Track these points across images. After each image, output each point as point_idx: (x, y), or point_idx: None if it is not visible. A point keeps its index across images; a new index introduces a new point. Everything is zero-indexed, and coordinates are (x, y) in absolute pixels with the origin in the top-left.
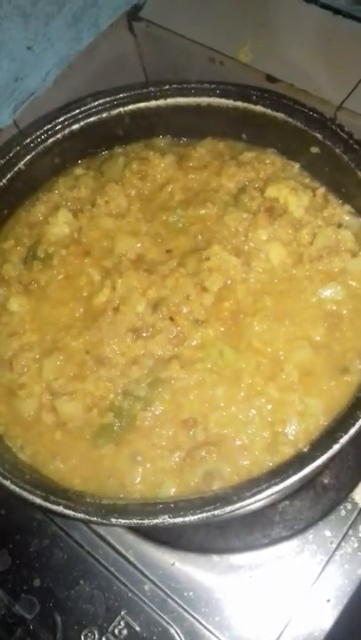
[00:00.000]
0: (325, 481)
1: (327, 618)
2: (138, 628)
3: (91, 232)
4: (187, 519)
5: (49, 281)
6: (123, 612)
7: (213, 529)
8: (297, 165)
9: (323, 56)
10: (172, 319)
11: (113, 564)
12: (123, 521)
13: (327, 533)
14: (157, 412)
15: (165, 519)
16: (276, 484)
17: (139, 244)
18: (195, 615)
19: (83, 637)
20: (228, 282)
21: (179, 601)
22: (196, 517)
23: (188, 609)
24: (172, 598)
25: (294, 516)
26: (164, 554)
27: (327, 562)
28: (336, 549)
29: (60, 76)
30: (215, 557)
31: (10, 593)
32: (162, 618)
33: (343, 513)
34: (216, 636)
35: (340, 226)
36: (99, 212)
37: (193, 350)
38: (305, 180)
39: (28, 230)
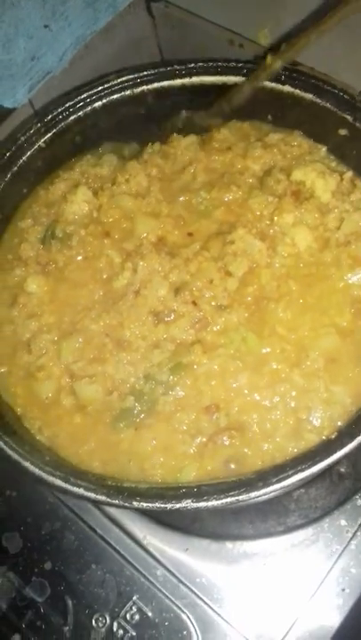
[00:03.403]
0: (342, 470)
1: (342, 607)
2: (150, 614)
3: (110, 211)
4: (210, 504)
5: (67, 262)
6: (135, 597)
7: (228, 515)
8: (324, 148)
9: (344, 39)
10: (194, 303)
11: (125, 548)
12: (145, 504)
13: (343, 522)
14: (179, 397)
15: (188, 503)
16: (302, 470)
17: (161, 226)
18: (207, 601)
19: (94, 622)
20: (253, 266)
21: (191, 587)
22: (220, 502)
23: (200, 595)
24: (185, 584)
25: (310, 505)
26: (177, 539)
27: (342, 551)
28: (352, 539)
29: (76, 56)
30: (229, 544)
31: (21, 576)
32: (174, 603)
33: (359, 502)
34: (229, 623)
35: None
36: (119, 191)
37: (216, 335)
38: (332, 164)
39: (47, 209)
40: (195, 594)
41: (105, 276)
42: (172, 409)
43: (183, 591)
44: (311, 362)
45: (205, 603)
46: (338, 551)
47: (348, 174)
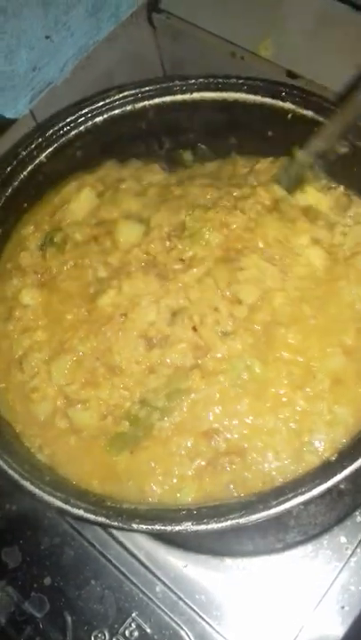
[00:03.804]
0: (341, 486)
1: (341, 625)
2: (149, 630)
3: (107, 214)
4: (210, 527)
5: (60, 269)
6: (134, 614)
7: (227, 532)
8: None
9: (345, 52)
10: (194, 329)
11: (124, 564)
12: (144, 527)
13: (342, 539)
14: (176, 422)
15: (188, 526)
16: (302, 493)
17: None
18: (206, 619)
19: (93, 638)
20: (265, 292)
21: (190, 604)
22: (220, 525)
23: (199, 612)
24: (184, 601)
25: (309, 521)
26: (176, 555)
27: (342, 568)
28: (351, 555)
29: (77, 66)
30: (228, 560)
31: (20, 590)
32: (173, 620)
33: (359, 519)
34: None
35: None
36: (122, 191)
37: (217, 362)
38: (323, 181)
39: (49, 217)
40: (194, 610)
41: (92, 291)
42: (168, 434)
43: (182, 607)
44: (317, 384)
45: (204, 619)
46: (337, 568)
47: (341, 189)
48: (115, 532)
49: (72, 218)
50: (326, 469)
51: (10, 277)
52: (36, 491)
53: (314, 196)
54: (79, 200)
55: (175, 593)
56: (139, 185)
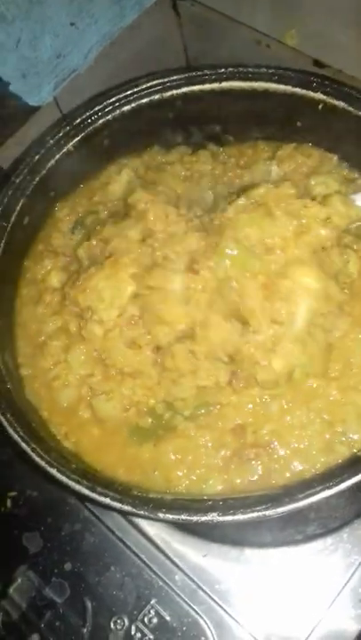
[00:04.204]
0: None
1: (359, 618)
2: (168, 618)
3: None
4: (235, 518)
5: (85, 252)
6: (153, 601)
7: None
8: (335, 157)
9: None
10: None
11: (144, 551)
12: (170, 516)
13: None
14: (202, 424)
15: (214, 517)
16: (329, 487)
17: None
18: (225, 608)
19: (112, 624)
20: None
21: (209, 593)
22: (246, 517)
23: (218, 601)
24: (203, 590)
25: (329, 514)
26: (197, 545)
27: None
28: None
29: (101, 54)
30: (248, 551)
31: (41, 575)
32: (192, 608)
33: None
34: (246, 630)
35: None
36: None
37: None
38: (344, 172)
39: (87, 200)
40: (213, 600)
41: None
42: (192, 433)
43: (201, 596)
44: (353, 375)
45: (223, 609)
46: (357, 562)
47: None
48: (134, 519)
49: (108, 199)
50: (355, 463)
51: (42, 259)
52: (63, 479)
53: (333, 188)
54: (119, 181)
55: (195, 582)
56: (183, 169)
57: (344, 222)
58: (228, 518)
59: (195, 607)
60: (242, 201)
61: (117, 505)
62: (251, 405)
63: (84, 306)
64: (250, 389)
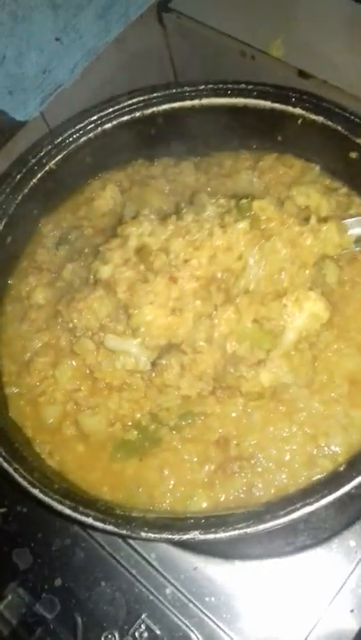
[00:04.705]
0: (352, 490)
1: (350, 628)
2: (158, 632)
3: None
4: (217, 536)
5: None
6: (143, 616)
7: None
8: (317, 167)
9: (358, 52)
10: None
11: (134, 566)
12: (153, 535)
13: (352, 543)
14: (187, 436)
15: (196, 535)
16: (310, 503)
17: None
18: (216, 621)
19: (103, 639)
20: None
21: (200, 606)
22: (227, 535)
23: (209, 614)
24: (194, 603)
25: (319, 525)
26: (186, 558)
27: (351, 572)
28: None
29: (87, 68)
30: (238, 563)
31: (31, 592)
32: (183, 622)
33: None
34: None
35: None
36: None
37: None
38: (326, 182)
39: (71, 214)
40: (203, 613)
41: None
42: (178, 446)
43: (192, 610)
44: (335, 387)
45: (214, 622)
46: (347, 572)
47: (344, 190)
48: None
49: (94, 214)
50: (336, 478)
51: (26, 275)
52: (45, 499)
53: (315, 199)
54: (104, 197)
55: (185, 595)
56: (167, 182)
57: (336, 252)
58: (210, 536)
59: (185, 621)
60: (241, 225)
61: (100, 525)
62: (235, 414)
63: (80, 325)
64: (233, 399)
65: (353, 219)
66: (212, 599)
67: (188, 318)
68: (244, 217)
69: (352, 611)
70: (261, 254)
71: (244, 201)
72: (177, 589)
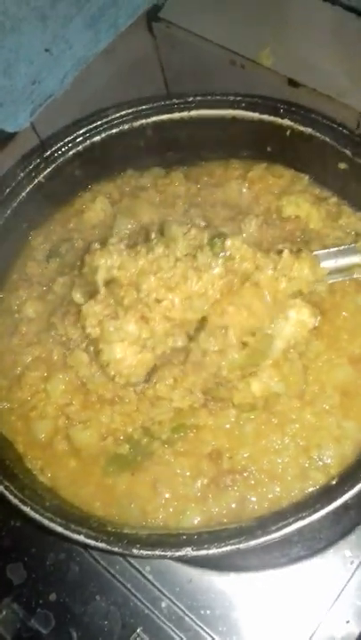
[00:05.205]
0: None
1: (346, 639)
2: None
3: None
4: (210, 552)
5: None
6: (139, 630)
7: None
8: (306, 177)
9: (347, 60)
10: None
11: (129, 579)
12: (145, 552)
13: (347, 553)
14: (179, 450)
15: (189, 551)
16: (302, 518)
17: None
18: (212, 634)
19: None
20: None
21: (195, 619)
22: (219, 551)
23: (205, 627)
24: (189, 616)
25: (314, 536)
26: (181, 571)
27: (347, 582)
28: (356, 569)
29: (77, 78)
30: (233, 575)
31: (25, 607)
32: (178, 636)
33: None
34: None
35: (358, 234)
36: (140, 200)
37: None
38: (315, 191)
39: (61, 227)
40: (199, 626)
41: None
42: (171, 459)
43: (188, 623)
44: (327, 398)
45: (210, 635)
46: (343, 582)
47: (334, 199)
48: None
49: (84, 227)
50: (329, 492)
51: (16, 289)
52: (37, 517)
53: (305, 208)
54: (94, 209)
55: (180, 608)
56: (157, 193)
57: (310, 289)
58: (202, 552)
59: (181, 634)
60: (217, 270)
61: (92, 542)
62: (227, 426)
63: (75, 337)
64: (226, 410)
65: (325, 250)
66: (208, 612)
67: (162, 355)
68: (217, 256)
69: (348, 621)
70: (239, 302)
71: (216, 240)
72: (172, 602)
